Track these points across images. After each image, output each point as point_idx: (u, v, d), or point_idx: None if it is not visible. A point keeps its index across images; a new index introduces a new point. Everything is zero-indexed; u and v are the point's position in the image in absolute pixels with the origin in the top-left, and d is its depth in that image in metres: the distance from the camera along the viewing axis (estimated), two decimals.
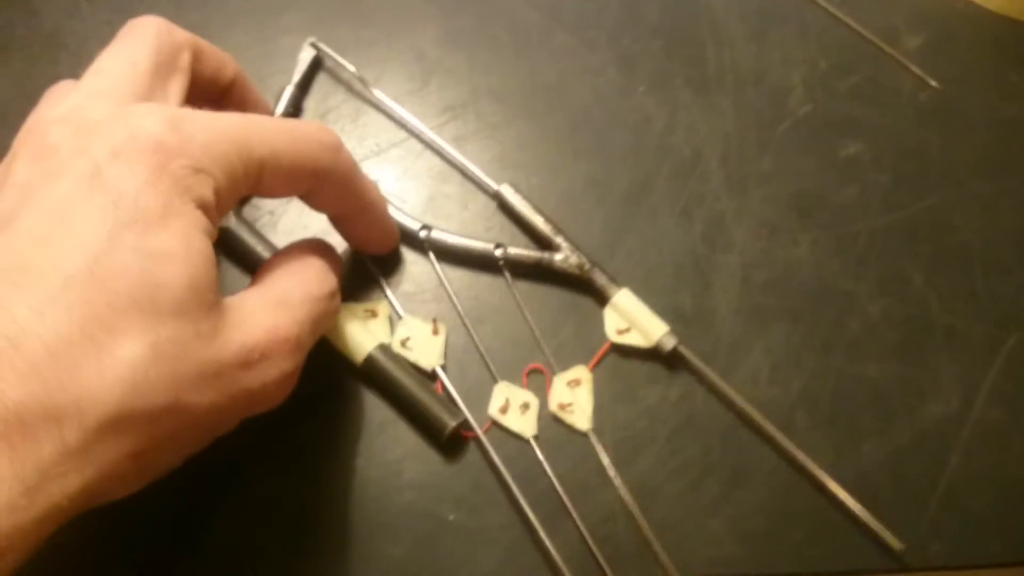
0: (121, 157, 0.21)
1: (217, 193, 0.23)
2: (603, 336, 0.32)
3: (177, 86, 0.26)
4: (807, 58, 0.38)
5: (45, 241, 0.20)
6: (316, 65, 0.37)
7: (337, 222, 0.30)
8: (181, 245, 0.21)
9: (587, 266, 0.32)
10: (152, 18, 0.27)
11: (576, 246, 0.33)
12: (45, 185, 0.21)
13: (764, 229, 0.34)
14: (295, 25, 0.38)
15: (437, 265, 0.33)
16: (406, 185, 0.35)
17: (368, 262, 0.33)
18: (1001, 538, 0.29)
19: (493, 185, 0.34)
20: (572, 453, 0.30)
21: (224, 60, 0.30)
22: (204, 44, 0.29)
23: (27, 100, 0.25)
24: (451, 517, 0.29)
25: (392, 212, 0.33)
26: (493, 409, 0.31)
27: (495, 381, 0.31)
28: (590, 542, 0.29)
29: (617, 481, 0.30)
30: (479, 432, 0.30)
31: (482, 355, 0.32)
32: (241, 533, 0.29)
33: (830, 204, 0.35)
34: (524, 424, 0.31)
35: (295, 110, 0.36)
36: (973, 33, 0.40)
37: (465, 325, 0.32)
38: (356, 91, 0.37)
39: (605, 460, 0.30)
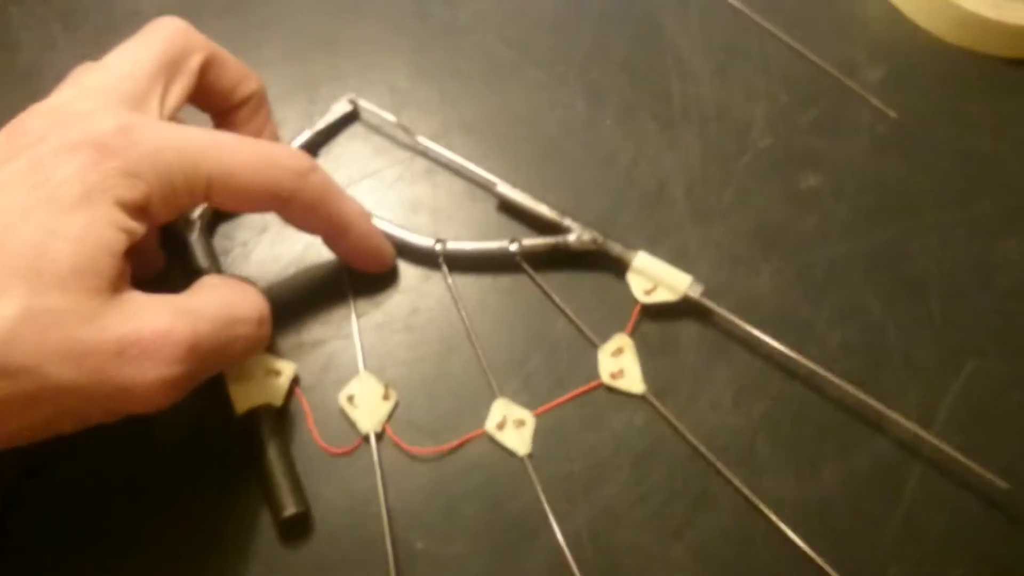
0: (65, 150, 0.24)
1: (147, 198, 0.25)
2: (631, 303, 0.33)
3: (179, 89, 0.28)
4: (769, 92, 0.39)
5: None
6: (345, 120, 0.38)
7: (324, 240, 0.31)
8: (81, 232, 0.23)
9: (600, 239, 0.33)
10: (172, 20, 0.29)
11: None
12: (2, 163, 0.24)
13: (727, 259, 0.35)
14: (270, 58, 0.39)
15: (449, 278, 0.34)
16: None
17: (348, 291, 0.34)
18: (959, 564, 0.30)
19: (495, 181, 0.35)
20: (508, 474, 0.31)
21: (245, 77, 0.31)
22: (224, 55, 0.30)
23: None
24: (419, 545, 0.30)
25: (399, 233, 0.34)
26: (490, 425, 0.31)
27: (495, 396, 0.32)
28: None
29: (694, 441, 0.31)
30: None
31: (484, 369, 0.32)
32: (207, 564, 0.29)
33: (791, 235, 0.36)
34: (518, 441, 0.31)
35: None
36: (932, 65, 0.41)
37: (470, 339, 0.33)
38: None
39: (678, 424, 0.31)
